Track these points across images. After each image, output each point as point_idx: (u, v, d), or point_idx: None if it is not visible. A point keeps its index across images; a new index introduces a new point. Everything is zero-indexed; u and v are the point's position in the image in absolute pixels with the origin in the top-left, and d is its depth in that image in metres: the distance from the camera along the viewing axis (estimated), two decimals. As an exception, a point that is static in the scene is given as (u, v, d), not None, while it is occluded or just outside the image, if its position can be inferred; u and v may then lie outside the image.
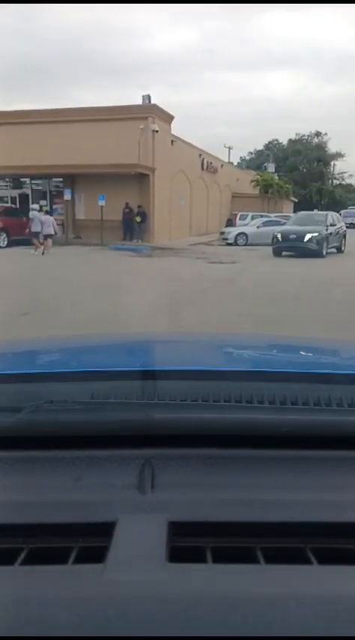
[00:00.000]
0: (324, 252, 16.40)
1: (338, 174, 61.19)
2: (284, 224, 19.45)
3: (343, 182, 61.93)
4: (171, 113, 22.54)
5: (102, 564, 0.51)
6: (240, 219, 27.19)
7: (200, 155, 27.54)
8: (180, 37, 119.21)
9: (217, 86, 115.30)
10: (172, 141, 23.08)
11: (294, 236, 16.55)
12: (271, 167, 44.53)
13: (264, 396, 0.79)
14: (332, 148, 59.14)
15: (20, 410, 0.74)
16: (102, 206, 19.29)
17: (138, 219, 20.62)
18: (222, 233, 24.15)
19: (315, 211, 22.00)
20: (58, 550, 0.56)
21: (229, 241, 22.34)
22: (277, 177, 38.76)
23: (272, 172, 41.57)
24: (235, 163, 45.02)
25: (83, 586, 0.50)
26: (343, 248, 18.62)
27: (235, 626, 0.45)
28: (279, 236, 17.03)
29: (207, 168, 28.46)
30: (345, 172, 61.78)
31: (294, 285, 9.84)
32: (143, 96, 21.53)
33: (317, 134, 59.51)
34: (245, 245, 21.26)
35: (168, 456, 0.72)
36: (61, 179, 21.41)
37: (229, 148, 41.97)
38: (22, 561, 0.54)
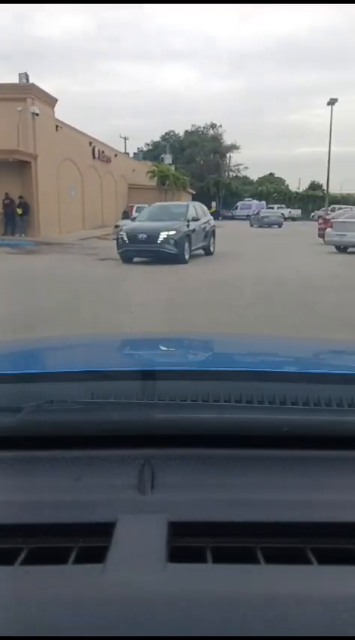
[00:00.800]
0: (187, 256, 12.24)
1: (234, 166, 62.34)
2: None
3: (239, 174, 63.20)
4: (69, 102, 20.69)
5: (102, 564, 0.52)
6: (136, 211, 25.89)
7: (90, 143, 25.83)
8: (74, 26, 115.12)
9: (113, 77, 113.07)
10: (57, 126, 21.19)
11: (144, 236, 12.05)
12: (168, 158, 43.85)
13: (264, 396, 0.79)
14: (227, 140, 59.99)
15: (20, 410, 0.74)
16: (-25, 197, 16.99)
17: (19, 211, 18.58)
18: (117, 226, 22.65)
19: (174, 202, 17.95)
20: (58, 550, 0.56)
21: (124, 235, 20.85)
22: (174, 169, 37.99)
23: (170, 164, 40.81)
24: (132, 154, 43.72)
25: (83, 586, 0.50)
26: (212, 248, 14.47)
27: (235, 626, 0.46)
28: (125, 236, 12.30)
29: (98, 157, 26.82)
30: (241, 164, 63.16)
31: (193, 284, 8.73)
32: (20, 74, 19.28)
33: (212, 126, 60.03)
34: (140, 239, 19.82)
35: (168, 456, 0.72)
36: None
37: (125, 138, 40.72)
38: (22, 561, 0.55)
